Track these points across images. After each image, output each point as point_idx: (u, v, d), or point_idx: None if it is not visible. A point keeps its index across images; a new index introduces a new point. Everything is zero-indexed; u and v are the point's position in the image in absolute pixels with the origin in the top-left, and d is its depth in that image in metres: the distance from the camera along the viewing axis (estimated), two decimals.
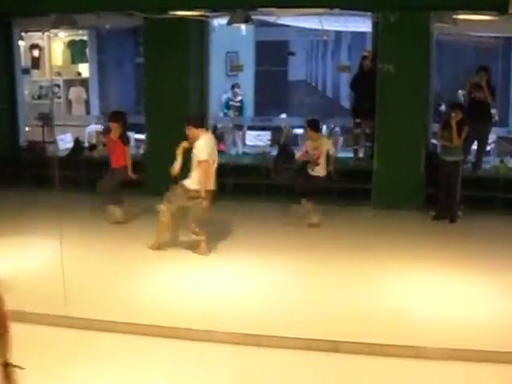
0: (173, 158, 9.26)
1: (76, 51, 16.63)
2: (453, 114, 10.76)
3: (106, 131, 11.27)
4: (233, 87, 14.55)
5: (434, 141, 12.23)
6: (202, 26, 12.90)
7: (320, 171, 10.51)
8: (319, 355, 6.46)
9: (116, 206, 10.67)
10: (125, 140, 10.71)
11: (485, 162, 12.46)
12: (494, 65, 14.03)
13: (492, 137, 12.82)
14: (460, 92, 13.38)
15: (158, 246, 9.28)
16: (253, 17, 11.70)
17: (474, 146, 12.23)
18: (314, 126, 10.65)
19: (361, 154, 13.01)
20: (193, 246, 9.24)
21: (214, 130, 13.98)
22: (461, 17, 10.84)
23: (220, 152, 13.57)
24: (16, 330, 6.87)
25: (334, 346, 6.53)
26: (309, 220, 10.61)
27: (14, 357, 6.27)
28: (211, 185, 9.11)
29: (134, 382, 6.00)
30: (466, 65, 14.90)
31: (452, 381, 6.08)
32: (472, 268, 8.69)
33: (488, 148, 12.76)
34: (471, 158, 12.26)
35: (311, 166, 10.56)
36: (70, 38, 16.50)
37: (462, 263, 8.87)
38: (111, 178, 10.68)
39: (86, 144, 14.19)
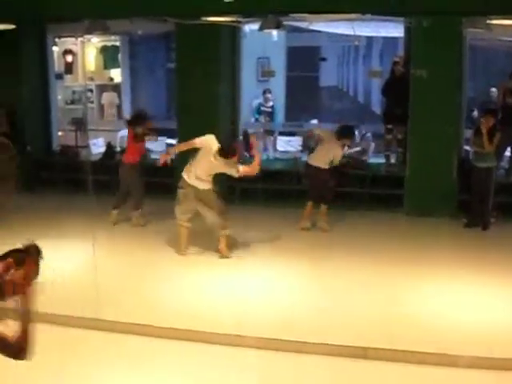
0: None
1: (108, 56, 16.78)
2: (482, 120, 10.65)
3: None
4: (264, 92, 14.57)
5: (466, 147, 12.13)
6: (234, 32, 12.95)
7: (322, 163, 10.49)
8: (347, 361, 6.43)
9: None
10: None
11: None
12: None
13: None
14: (493, 90, 13.24)
15: (184, 251, 9.35)
16: (284, 22, 11.71)
17: (508, 153, 12.11)
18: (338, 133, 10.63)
19: (392, 160, 12.95)
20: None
21: (245, 136, 14.03)
22: (494, 22, 10.74)
23: (251, 157, 13.67)
24: (47, 331, 6.97)
25: (362, 353, 6.50)
26: (320, 225, 10.63)
27: (49, 358, 6.35)
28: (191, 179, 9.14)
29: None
30: (499, 70, 14.76)
31: None
32: (504, 276, 8.59)
33: None
34: (504, 164, 12.14)
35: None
36: (103, 43, 16.65)
37: (494, 271, 8.76)
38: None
39: (118, 148, 14.29)
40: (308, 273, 8.82)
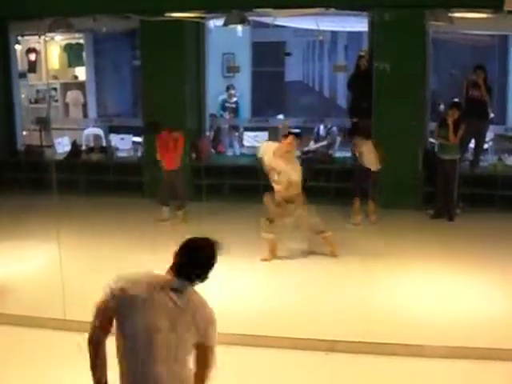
0: None
1: (73, 54, 16.63)
2: (449, 112, 10.80)
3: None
4: (228, 89, 14.56)
5: (431, 139, 12.23)
6: (198, 28, 12.92)
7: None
8: (316, 355, 6.46)
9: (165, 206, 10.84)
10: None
11: (482, 160, 12.47)
12: (491, 63, 14.03)
13: (489, 135, 12.82)
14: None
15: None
16: (249, 18, 11.70)
17: (472, 145, 12.23)
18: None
19: None
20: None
21: (218, 131, 14.02)
22: (456, 15, 10.84)
23: (218, 153, 13.71)
24: (13, 333, 6.92)
25: (330, 346, 6.53)
26: (371, 219, 10.84)
27: (12, 360, 6.30)
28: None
29: None
30: (462, 63, 14.89)
31: (452, 379, 6.09)
32: (471, 266, 8.70)
33: (485, 146, 12.75)
34: (469, 156, 12.27)
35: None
36: (67, 41, 16.50)
37: (461, 261, 8.88)
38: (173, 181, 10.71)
39: (84, 147, 14.19)
40: (275, 268, 8.82)
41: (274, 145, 9.07)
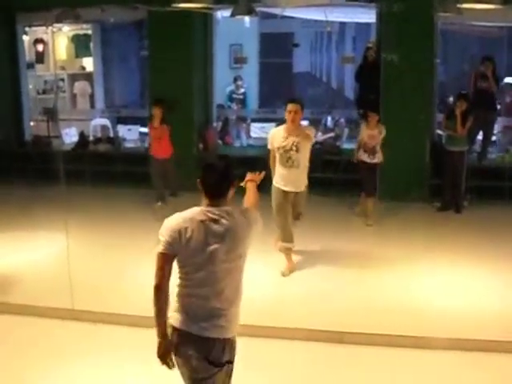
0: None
1: (80, 45, 16.63)
2: (457, 104, 10.76)
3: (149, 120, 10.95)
4: (235, 80, 14.57)
5: (439, 131, 12.20)
6: (206, 19, 12.90)
7: (378, 157, 10.45)
8: (324, 346, 6.47)
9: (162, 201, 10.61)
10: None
11: (490, 151, 12.44)
12: (499, 54, 13.98)
13: (497, 126, 12.79)
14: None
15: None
16: (256, 8, 11.67)
17: (480, 136, 12.20)
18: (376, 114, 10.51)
19: None
20: None
21: (226, 122, 14.00)
22: (465, 6, 10.77)
23: (226, 144, 13.70)
24: (21, 323, 6.95)
25: (338, 337, 6.54)
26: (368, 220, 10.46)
27: (21, 349, 6.33)
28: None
29: (140, 374, 6.02)
30: (471, 55, 14.84)
31: (459, 371, 6.09)
32: (478, 258, 8.69)
33: (493, 138, 12.72)
34: (476, 147, 12.24)
35: (368, 153, 10.52)
36: (74, 32, 16.49)
37: (468, 253, 8.86)
38: (169, 170, 10.58)
39: (91, 138, 14.22)
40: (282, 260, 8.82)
41: (280, 128, 8.37)
